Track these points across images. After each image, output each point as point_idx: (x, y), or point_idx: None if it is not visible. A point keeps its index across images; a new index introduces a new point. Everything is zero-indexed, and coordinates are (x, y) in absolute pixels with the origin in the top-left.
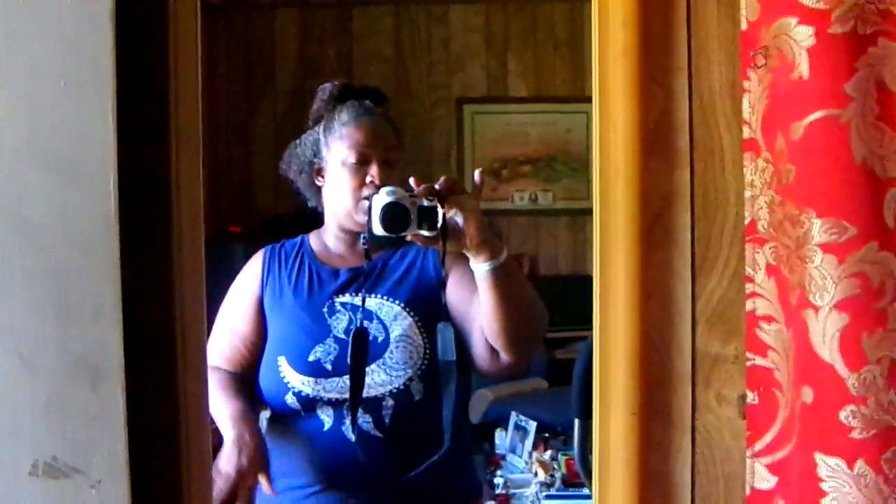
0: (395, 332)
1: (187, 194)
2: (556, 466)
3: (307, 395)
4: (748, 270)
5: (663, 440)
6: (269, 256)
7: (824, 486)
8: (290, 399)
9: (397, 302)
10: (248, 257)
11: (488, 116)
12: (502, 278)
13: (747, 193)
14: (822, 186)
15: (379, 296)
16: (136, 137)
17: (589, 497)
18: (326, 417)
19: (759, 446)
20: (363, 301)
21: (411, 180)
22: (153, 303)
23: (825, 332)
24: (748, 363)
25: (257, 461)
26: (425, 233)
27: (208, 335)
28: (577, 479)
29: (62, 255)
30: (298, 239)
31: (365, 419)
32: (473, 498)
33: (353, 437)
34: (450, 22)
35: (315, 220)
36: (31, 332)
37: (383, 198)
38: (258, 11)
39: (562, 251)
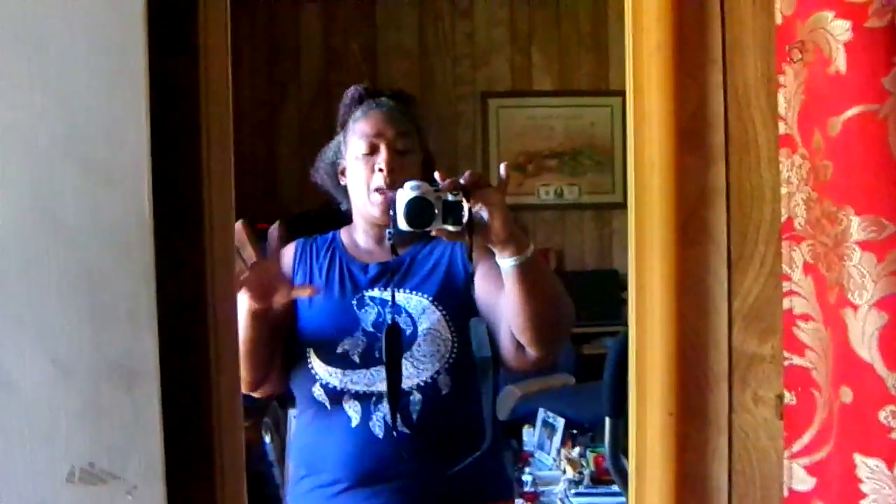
0: (422, 326)
1: (219, 193)
2: (584, 463)
3: (334, 387)
4: (785, 268)
5: (700, 440)
6: (301, 249)
7: (864, 487)
8: (318, 391)
9: (425, 296)
10: None
11: (513, 110)
12: (528, 273)
13: (784, 190)
14: (859, 183)
15: (407, 290)
16: (168, 135)
17: (618, 494)
18: (354, 413)
19: (796, 447)
20: (393, 296)
21: (436, 175)
22: (185, 303)
23: (864, 330)
24: (785, 363)
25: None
26: (450, 227)
27: None
28: (605, 476)
29: (96, 256)
30: (330, 234)
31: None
32: (504, 497)
33: (381, 434)
34: (474, 15)
35: (341, 216)
36: (65, 335)
37: (408, 192)
38: (282, 5)
39: (588, 246)
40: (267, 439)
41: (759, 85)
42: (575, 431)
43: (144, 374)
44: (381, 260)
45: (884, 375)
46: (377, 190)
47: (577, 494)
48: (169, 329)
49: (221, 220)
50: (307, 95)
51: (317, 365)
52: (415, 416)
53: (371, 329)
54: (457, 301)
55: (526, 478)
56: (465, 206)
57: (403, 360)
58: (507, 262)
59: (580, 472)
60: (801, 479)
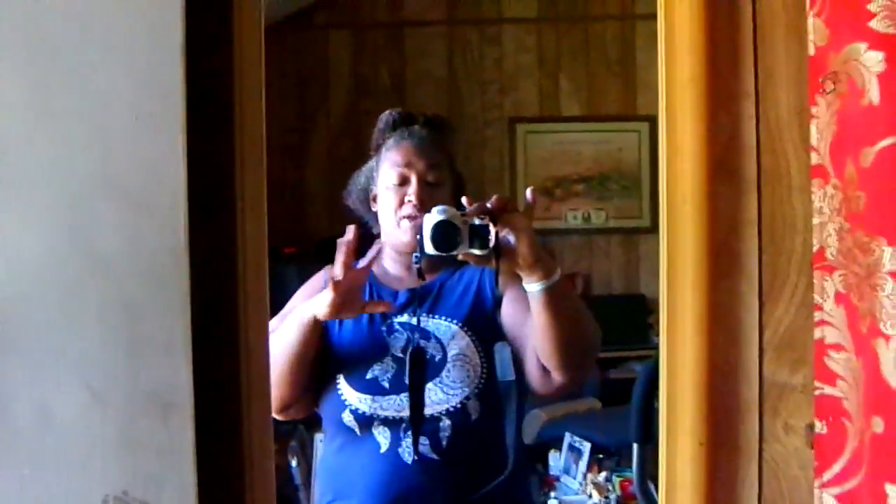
0: (452, 352)
1: (253, 224)
2: (610, 488)
3: (364, 413)
4: (816, 298)
5: (730, 470)
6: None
7: None
8: (347, 417)
9: (455, 321)
10: (301, 280)
11: (541, 136)
12: (555, 298)
13: (815, 220)
14: (892, 214)
15: (437, 316)
16: (203, 167)
17: None
18: (383, 439)
19: (827, 476)
20: (418, 321)
21: (463, 199)
22: (218, 333)
23: None
24: (816, 392)
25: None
26: (477, 252)
27: None
28: (631, 500)
29: (133, 287)
30: (359, 262)
31: (422, 441)
32: None
33: (409, 460)
34: (502, 41)
35: (369, 241)
36: (102, 365)
37: (434, 216)
38: (311, 32)
39: (615, 270)
40: (293, 463)
41: (791, 116)
42: (601, 456)
43: (179, 404)
44: (410, 286)
45: None
46: (407, 217)
47: None
48: (202, 359)
49: (254, 251)
50: (336, 122)
51: (346, 391)
52: (444, 443)
53: (400, 355)
54: (485, 326)
55: (552, 502)
56: (492, 230)
57: (433, 386)
58: (533, 287)
59: (606, 497)
60: None
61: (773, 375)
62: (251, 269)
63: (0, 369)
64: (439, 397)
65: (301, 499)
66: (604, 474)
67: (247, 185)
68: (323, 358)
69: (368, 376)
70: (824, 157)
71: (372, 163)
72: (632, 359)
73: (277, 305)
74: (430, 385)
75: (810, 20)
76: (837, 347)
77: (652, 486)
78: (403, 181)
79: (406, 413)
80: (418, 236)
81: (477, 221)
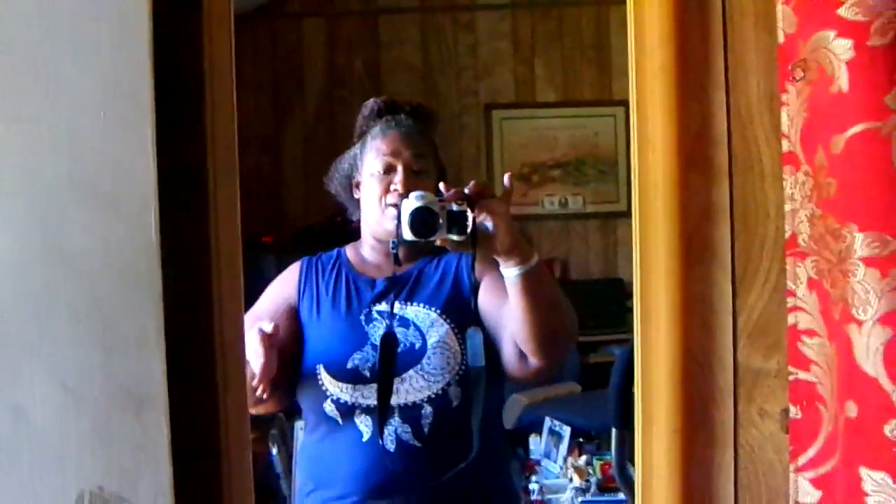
0: (431, 339)
1: (226, 219)
2: (591, 471)
3: (345, 402)
4: (789, 284)
5: (706, 456)
6: (307, 267)
7: (869, 500)
8: (329, 407)
9: (434, 309)
10: (279, 268)
11: (517, 122)
12: (532, 283)
13: (787, 207)
14: (863, 200)
15: (416, 303)
16: (174, 163)
17: (624, 502)
18: (365, 428)
19: (802, 461)
20: (391, 307)
21: (441, 185)
22: (193, 327)
23: (869, 346)
24: (791, 377)
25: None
26: (455, 237)
27: None
28: (612, 483)
29: (105, 285)
30: (335, 251)
31: (404, 429)
32: None
33: (392, 448)
34: (476, 28)
35: (346, 229)
36: (75, 362)
37: (412, 202)
38: (284, 21)
39: (593, 255)
40: (273, 451)
41: (761, 104)
42: (581, 440)
43: (153, 398)
44: (388, 275)
45: (889, 390)
46: (392, 205)
47: (585, 502)
48: (177, 353)
49: (228, 245)
50: (311, 111)
51: (327, 381)
52: (426, 429)
53: (379, 343)
54: (464, 313)
55: (533, 486)
56: (470, 215)
57: (414, 373)
58: (511, 272)
59: (587, 480)
60: (806, 493)
61: (748, 361)
62: (225, 264)
63: None
64: (420, 384)
65: (282, 487)
66: (584, 458)
67: (219, 179)
68: (298, 351)
69: (349, 365)
70: (795, 144)
71: (355, 150)
72: (610, 342)
73: (255, 294)
74: (410, 373)
75: (779, 8)
76: (810, 333)
77: (631, 470)
78: (389, 169)
79: (390, 401)
80: (396, 222)
81: (455, 207)
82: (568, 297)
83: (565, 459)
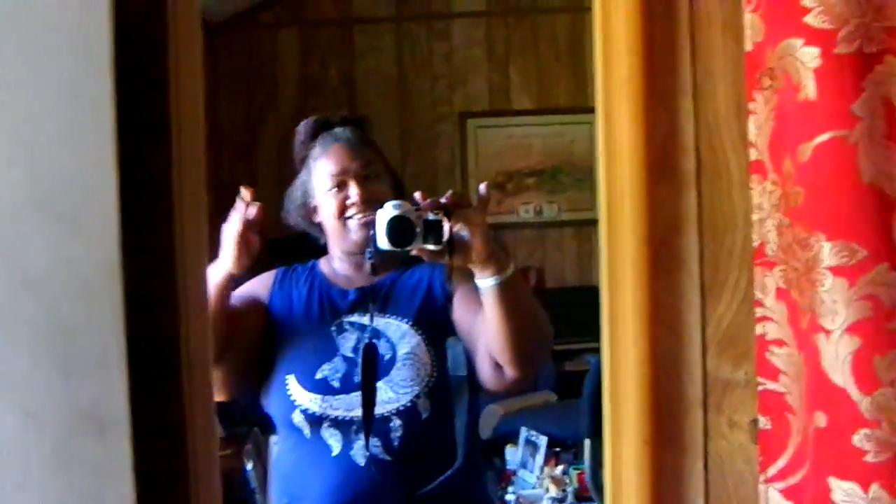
0: (402, 350)
1: (191, 226)
2: (567, 481)
3: (314, 412)
4: (757, 294)
5: (675, 467)
6: (282, 276)
7: None
8: (297, 417)
9: (405, 320)
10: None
11: (492, 130)
12: (508, 293)
13: (755, 216)
14: (830, 209)
15: (387, 314)
16: (138, 178)
17: None
18: (335, 442)
19: (772, 471)
20: (371, 317)
21: (417, 195)
22: (158, 343)
23: (837, 355)
24: (759, 388)
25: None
26: (431, 247)
27: None
28: (588, 493)
29: (65, 305)
30: (310, 263)
31: (374, 443)
32: None
33: (362, 463)
34: (451, 36)
35: (316, 252)
36: (35, 385)
37: (389, 211)
38: (259, 31)
39: (568, 263)
40: (249, 466)
41: (729, 112)
42: (558, 449)
43: (115, 421)
44: (360, 285)
45: (857, 399)
46: (352, 217)
47: None
48: (143, 372)
49: (195, 259)
50: (285, 121)
51: (295, 391)
52: (396, 443)
53: (350, 354)
54: (435, 324)
55: (509, 497)
56: (446, 225)
57: (383, 385)
58: (486, 282)
59: (563, 490)
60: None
61: (717, 371)
62: (191, 280)
63: None
64: (389, 396)
65: (257, 502)
66: (561, 467)
67: (185, 191)
68: (268, 353)
69: (318, 376)
70: (763, 152)
71: (302, 176)
72: (587, 351)
73: None
74: (380, 384)
75: (747, 16)
76: (779, 343)
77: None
78: (341, 185)
79: (356, 413)
80: (371, 231)
81: (431, 217)
82: (544, 305)
83: (542, 469)
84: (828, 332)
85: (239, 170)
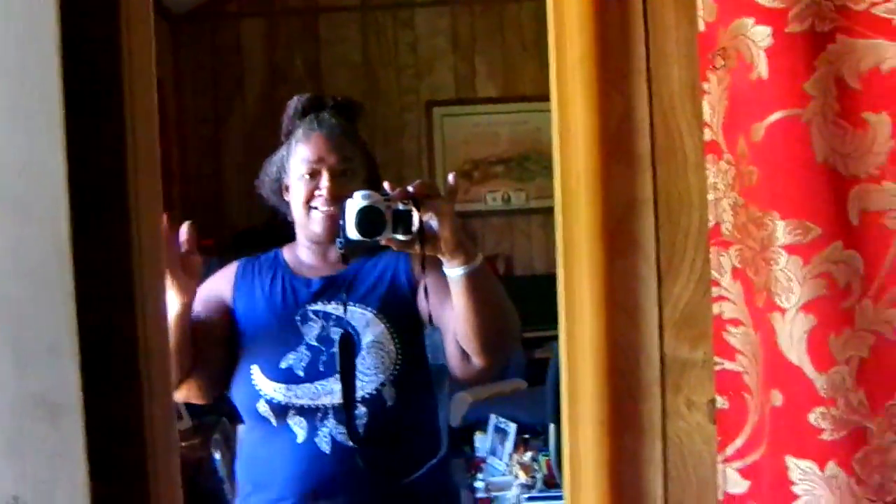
0: (366, 339)
1: (147, 214)
2: (536, 468)
3: (279, 402)
4: (714, 274)
5: (634, 448)
6: (244, 267)
7: (796, 489)
8: (263, 407)
9: (369, 309)
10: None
11: (458, 118)
12: (476, 283)
13: (710, 196)
14: (784, 187)
15: (351, 303)
16: (92, 162)
17: None
18: (300, 429)
19: (730, 451)
20: (345, 308)
21: (386, 185)
22: (115, 330)
23: (792, 334)
24: (717, 367)
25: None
26: (400, 237)
27: None
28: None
29: (15, 291)
30: (273, 252)
31: (338, 430)
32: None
33: (327, 450)
34: (416, 25)
35: (287, 231)
36: None
37: (358, 201)
38: (224, 21)
39: (536, 250)
40: (217, 456)
41: (683, 92)
42: (527, 436)
43: (68, 406)
44: (324, 274)
45: (813, 378)
46: (317, 208)
47: (530, 499)
48: (100, 361)
49: (151, 246)
50: (252, 111)
51: (260, 381)
52: (361, 430)
53: (315, 343)
54: (401, 313)
55: (479, 484)
56: (415, 215)
57: None
58: (455, 272)
59: (533, 477)
60: (735, 483)
61: (674, 352)
62: (148, 269)
63: None
64: (355, 384)
65: (225, 491)
66: (530, 454)
67: (140, 178)
68: (234, 347)
69: (283, 365)
70: (717, 132)
71: (283, 152)
72: (555, 338)
73: None
74: None
75: None
76: (735, 322)
77: None
78: (314, 174)
79: (321, 402)
80: (341, 221)
81: (400, 207)
82: (512, 293)
83: (511, 456)
84: (783, 311)
85: (205, 161)
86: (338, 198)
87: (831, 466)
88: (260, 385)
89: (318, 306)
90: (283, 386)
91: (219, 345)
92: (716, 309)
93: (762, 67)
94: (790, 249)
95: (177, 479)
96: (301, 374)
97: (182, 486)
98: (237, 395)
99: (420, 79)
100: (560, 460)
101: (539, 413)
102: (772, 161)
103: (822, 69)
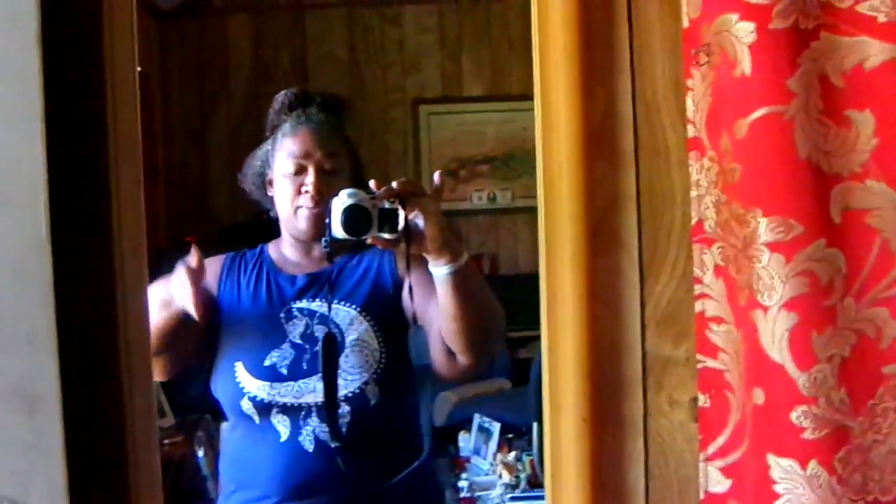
0: (350, 337)
1: (128, 207)
2: (520, 468)
3: (262, 399)
4: (696, 271)
5: (616, 446)
6: (230, 262)
7: (777, 487)
8: (246, 405)
9: (353, 306)
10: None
11: (444, 116)
12: (462, 281)
13: (693, 193)
14: (767, 185)
15: (335, 300)
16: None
17: None
18: (283, 428)
19: (711, 449)
20: (329, 306)
21: (371, 183)
22: (95, 322)
23: (774, 332)
24: (699, 365)
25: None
26: (386, 235)
27: None
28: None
29: None
30: (258, 248)
31: (321, 428)
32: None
33: (310, 448)
34: (403, 23)
35: (272, 228)
36: None
37: (344, 200)
38: (210, 17)
39: (522, 249)
40: (200, 453)
41: (667, 89)
42: (511, 436)
43: (45, 397)
44: (308, 271)
45: (794, 376)
46: (303, 206)
47: (514, 499)
48: (79, 352)
49: (131, 235)
50: (238, 107)
51: (244, 378)
52: (344, 429)
53: (299, 341)
54: (385, 311)
55: (462, 483)
56: (401, 213)
57: None
58: (441, 270)
59: (516, 477)
60: (717, 481)
61: (656, 350)
62: (129, 262)
63: None
64: (338, 383)
65: (209, 489)
66: (514, 454)
67: (122, 171)
68: (217, 343)
69: (266, 363)
70: (700, 129)
71: (267, 146)
72: (540, 338)
73: None
74: None
75: None
76: (718, 320)
77: None
78: (300, 170)
79: (305, 400)
80: (327, 220)
81: (386, 205)
82: (497, 291)
83: (495, 456)
84: (765, 309)
85: (191, 157)
86: (323, 195)
87: (813, 465)
88: (244, 382)
89: (303, 304)
90: (266, 384)
91: (195, 332)
92: (698, 307)
93: (746, 64)
94: (772, 247)
95: (157, 473)
96: (285, 372)
97: (165, 483)
98: (221, 391)
99: (407, 76)
100: (543, 458)
101: (523, 413)
102: (755, 158)
103: (806, 66)
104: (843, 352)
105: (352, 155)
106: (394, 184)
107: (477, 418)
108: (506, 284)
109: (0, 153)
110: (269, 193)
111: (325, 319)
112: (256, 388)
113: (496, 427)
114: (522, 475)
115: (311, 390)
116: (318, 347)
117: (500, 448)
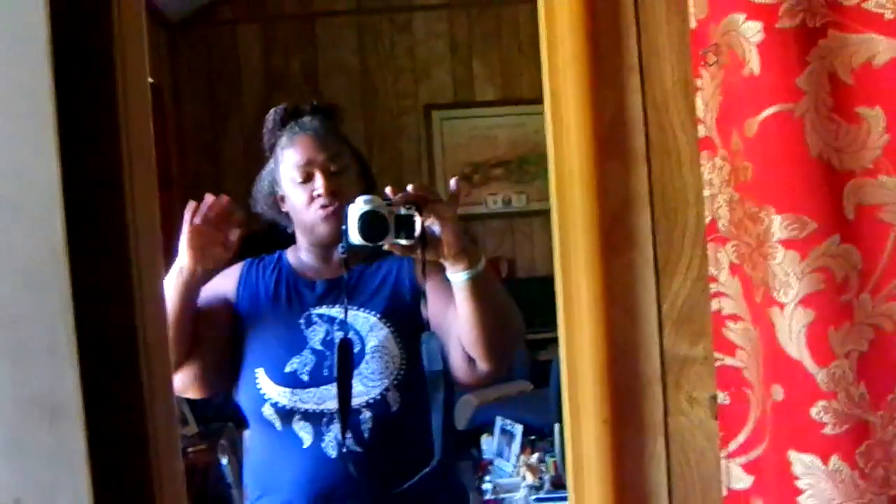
0: (370, 343)
1: (143, 215)
2: (544, 469)
3: (284, 406)
4: (711, 270)
5: (636, 445)
6: (248, 268)
7: (800, 483)
8: (268, 411)
9: (373, 312)
10: None
11: (457, 122)
12: (480, 286)
13: (706, 192)
14: (779, 182)
15: (355, 307)
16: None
17: None
18: (305, 434)
19: (733, 446)
20: (346, 312)
21: (388, 189)
22: (115, 331)
23: (791, 328)
24: (717, 363)
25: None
26: (403, 241)
27: None
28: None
29: (10, 293)
30: (277, 254)
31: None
32: None
33: (333, 455)
34: (413, 29)
35: (288, 235)
36: None
37: (360, 206)
38: (220, 27)
39: (538, 252)
40: (224, 461)
41: (676, 89)
42: (533, 437)
43: (67, 408)
44: (327, 277)
45: (813, 372)
46: (319, 209)
47: (538, 500)
48: (100, 361)
49: (147, 244)
50: (250, 116)
51: (265, 385)
52: (366, 435)
53: (320, 347)
54: (405, 317)
55: (486, 486)
56: (418, 220)
57: (353, 378)
58: (458, 276)
59: (540, 478)
60: (738, 478)
61: (674, 349)
62: (146, 269)
63: None
64: (359, 389)
65: (234, 496)
66: (536, 455)
67: (136, 180)
68: (237, 346)
69: (287, 369)
70: (711, 128)
71: (270, 165)
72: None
73: None
74: None
75: None
76: (734, 318)
77: None
78: (308, 177)
79: (326, 406)
80: (343, 226)
81: (403, 211)
82: (515, 295)
83: (518, 458)
84: (781, 306)
85: (204, 167)
86: (336, 195)
87: (835, 460)
88: (265, 389)
89: (323, 310)
90: (287, 390)
91: (219, 338)
92: (714, 305)
93: (754, 63)
94: (787, 244)
95: (181, 481)
96: (306, 378)
97: (191, 491)
98: (243, 398)
99: (418, 82)
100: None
101: (545, 414)
102: (766, 156)
103: (815, 64)
104: (860, 347)
105: (354, 154)
106: (409, 188)
107: (499, 421)
108: (523, 287)
109: (14, 166)
110: (284, 209)
111: (345, 325)
112: (278, 394)
113: (518, 429)
114: (546, 476)
115: (333, 396)
116: (347, 354)
117: (523, 450)
